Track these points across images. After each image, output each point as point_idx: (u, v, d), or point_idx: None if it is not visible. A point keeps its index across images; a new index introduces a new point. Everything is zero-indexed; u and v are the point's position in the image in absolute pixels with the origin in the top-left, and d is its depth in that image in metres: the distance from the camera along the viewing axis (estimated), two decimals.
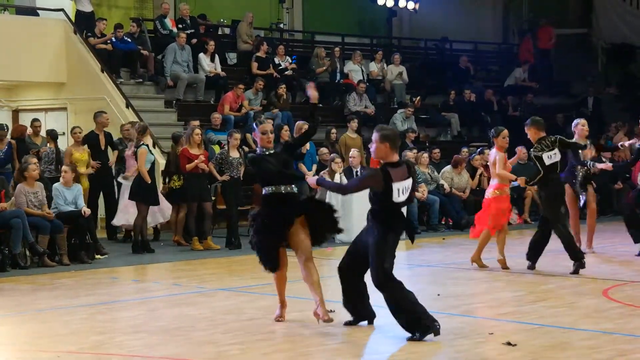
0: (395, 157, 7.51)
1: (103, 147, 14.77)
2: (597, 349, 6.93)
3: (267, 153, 8.02)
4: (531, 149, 11.06)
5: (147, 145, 13.25)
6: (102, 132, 14.83)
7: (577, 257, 10.85)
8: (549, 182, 10.94)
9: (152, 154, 13.32)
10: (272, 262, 8.00)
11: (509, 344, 7.04)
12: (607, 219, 17.37)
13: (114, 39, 18.06)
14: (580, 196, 12.39)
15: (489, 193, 11.35)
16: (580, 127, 12.32)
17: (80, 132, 14.26)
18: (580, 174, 12.32)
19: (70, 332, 7.93)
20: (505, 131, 11.30)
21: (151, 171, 13.19)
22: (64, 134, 16.74)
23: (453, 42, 25.18)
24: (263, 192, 7.98)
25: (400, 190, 7.44)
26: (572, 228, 12.30)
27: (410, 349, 7.22)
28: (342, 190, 8.78)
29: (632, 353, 6.84)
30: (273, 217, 7.85)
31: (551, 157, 10.90)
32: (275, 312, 8.24)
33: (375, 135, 7.53)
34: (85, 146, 14.45)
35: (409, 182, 7.52)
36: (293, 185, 7.97)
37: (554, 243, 11.14)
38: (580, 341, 7.25)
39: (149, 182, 13.08)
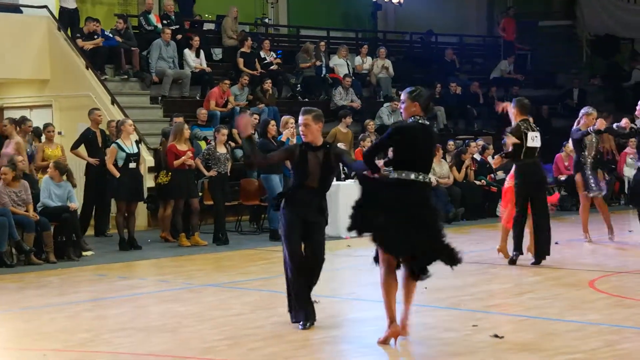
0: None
1: (100, 144, 14.65)
2: (584, 340, 6.96)
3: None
4: (507, 129, 10.90)
5: (118, 143, 13.24)
6: (98, 129, 14.72)
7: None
8: (524, 167, 10.76)
9: (124, 150, 13.23)
10: None
11: (496, 336, 7.06)
12: (594, 210, 17.40)
13: (102, 44, 17.96)
14: (592, 185, 12.43)
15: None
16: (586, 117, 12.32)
17: (53, 131, 14.20)
18: (589, 161, 12.41)
19: (56, 330, 7.91)
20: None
21: (125, 167, 13.16)
22: None
23: (438, 35, 25.19)
24: None
25: None
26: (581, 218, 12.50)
27: (397, 341, 7.22)
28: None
29: (619, 344, 6.87)
30: None
31: (534, 139, 10.72)
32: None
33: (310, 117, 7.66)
34: (59, 143, 14.30)
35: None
36: None
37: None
38: (567, 332, 7.27)
39: (118, 177, 13.11)
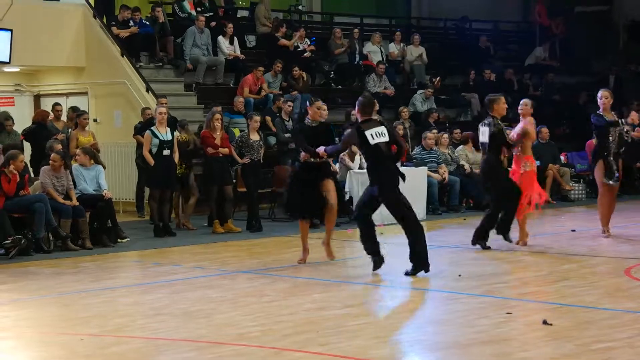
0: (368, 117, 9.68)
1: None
2: (619, 328, 6.91)
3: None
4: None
5: (152, 130, 13.34)
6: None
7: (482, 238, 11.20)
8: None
9: (158, 137, 13.33)
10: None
11: (545, 322, 7.01)
12: (629, 198, 17.27)
13: (133, 24, 18.03)
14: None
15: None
16: (603, 100, 11.89)
17: (87, 118, 14.39)
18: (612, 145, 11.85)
19: (92, 315, 8.00)
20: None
21: (159, 154, 13.26)
22: None
23: (473, 22, 25.02)
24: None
25: (374, 134, 9.40)
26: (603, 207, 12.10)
27: (430, 329, 7.23)
28: (332, 154, 10.27)
29: None
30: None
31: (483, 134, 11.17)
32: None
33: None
34: (90, 130, 14.46)
35: (381, 129, 9.48)
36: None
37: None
38: (602, 320, 7.22)
39: (152, 165, 13.24)
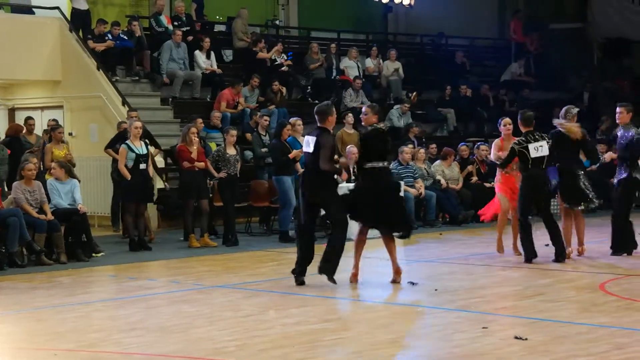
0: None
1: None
2: (594, 343, 6.95)
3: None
4: (513, 142, 11.40)
5: (127, 144, 13.27)
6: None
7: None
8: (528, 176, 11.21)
9: (134, 151, 13.27)
10: None
11: (519, 338, 7.03)
12: (604, 214, 17.36)
13: (110, 36, 17.97)
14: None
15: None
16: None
17: (62, 132, 14.36)
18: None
19: (67, 330, 7.94)
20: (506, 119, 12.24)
21: (135, 168, 13.20)
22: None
23: (449, 38, 25.18)
24: None
25: (306, 141, 9.92)
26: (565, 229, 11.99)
27: (407, 344, 7.24)
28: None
29: (629, 346, 6.85)
30: None
31: (537, 149, 11.10)
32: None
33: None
34: (65, 144, 14.42)
35: (311, 139, 9.81)
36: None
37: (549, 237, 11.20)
38: (577, 335, 7.26)
39: (129, 179, 13.17)
